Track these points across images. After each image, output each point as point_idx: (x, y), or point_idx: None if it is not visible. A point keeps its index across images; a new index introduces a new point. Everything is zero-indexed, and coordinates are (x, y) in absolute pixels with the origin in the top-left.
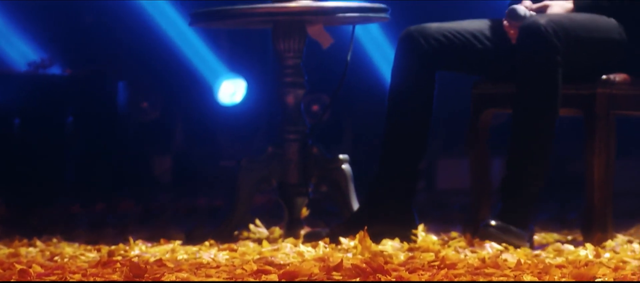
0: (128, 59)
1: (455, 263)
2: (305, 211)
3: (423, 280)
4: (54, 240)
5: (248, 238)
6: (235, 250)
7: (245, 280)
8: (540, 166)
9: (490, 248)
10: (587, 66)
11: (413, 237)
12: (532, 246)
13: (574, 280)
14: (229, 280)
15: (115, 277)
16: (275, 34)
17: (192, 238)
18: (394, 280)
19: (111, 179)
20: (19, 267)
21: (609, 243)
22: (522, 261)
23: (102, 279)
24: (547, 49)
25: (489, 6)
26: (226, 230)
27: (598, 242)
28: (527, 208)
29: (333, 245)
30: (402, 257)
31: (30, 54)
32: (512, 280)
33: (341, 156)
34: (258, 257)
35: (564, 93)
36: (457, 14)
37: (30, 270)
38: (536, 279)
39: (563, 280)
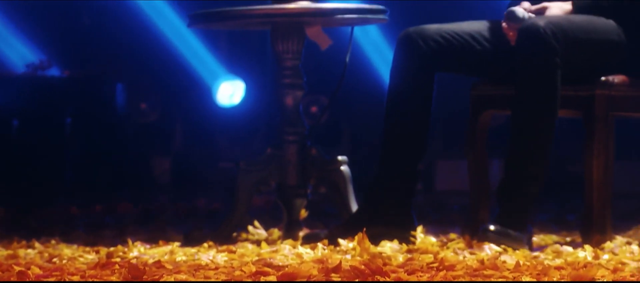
0: (127, 61)
1: (454, 265)
2: (304, 213)
3: (422, 281)
4: (53, 242)
5: (247, 239)
6: (234, 252)
7: (244, 281)
8: (539, 167)
9: (489, 249)
10: (586, 68)
11: (412, 239)
12: (531, 248)
13: (572, 282)
14: (227, 281)
15: (113, 279)
16: (274, 35)
17: (190, 239)
18: (392, 281)
19: (110, 180)
20: (17, 268)
21: (608, 244)
22: (521, 262)
23: (101, 280)
24: (546, 51)
25: (488, 7)
26: (225, 232)
27: (597, 244)
28: (525, 211)
29: (332, 247)
30: (400, 258)
31: (29, 56)
32: (511, 281)
33: (340, 158)
34: (257, 258)
35: (563, 94)
36: (456, 16)
37: (29, 272)
38: (535, 280)
39: (562, 281)
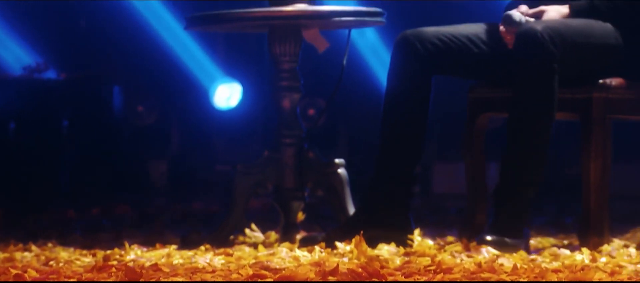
0: (124, 63)
1: (451, 268)
2: (301, 216)
3: None
4: (50, 245)
5: (244, 242)
6: (231, 255)
7: None
8: (535, 172)
9: (487, 252)
10: (584, 71)
11: (409, 241)
12: (529, 251)
13: None
14: None
15: (110, 281)
16: (271, 38)
17: (187, 242)
18: None
19: (107, 183)
20: (14, 271)
21: (606, 247)
22: (518, 265)
23: None
24: (544, 55)
25: (486, 9)
26: (222, 235)
27: (594, 246)
28: (521, 215)
29: (329, 250)
30: (398, 261)
31: (26, 58)
32: None
33: (337, 161)
34: (254, 261)
35: (560, 97)
36: (453, 18)
37: (26, 275)
38: None
39: None
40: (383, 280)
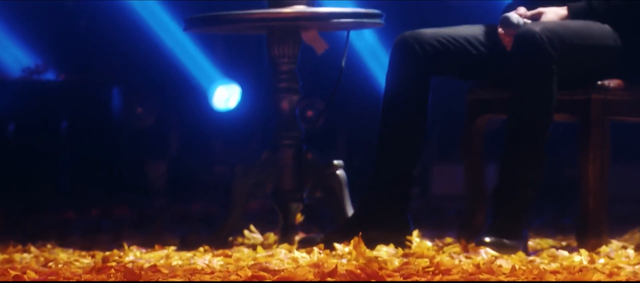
0: (122, 65)
1: (450, 269)
2: (299, 217)
3: None
4: (49, 246)
5: (242, 244)
6: (230, 256)
7: None
8: (533, 173)
9: (485, 254)
10: (582, 72)
11: (407, 243)
12: (527, 252)
13: None
14: None
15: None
16: (270, 39)
17: (186, 243)
18: None
19: (106, 185)
20: (13, 272)
21: (604, 249)
22: (517, 267)
23: None
24: (542, 57)
25: (485, 11)
26: (221, 236)
27: (593, 248)
28: (520, 216)
29: (327, 251)
30: (396, 262)
31: (25, 60)
32: None
33: (336, 162)
34: (252, 262)
35: (558, 99)
36: (452, 20)
37: (25, 276)
38: None
39: None
40: (382, 281)
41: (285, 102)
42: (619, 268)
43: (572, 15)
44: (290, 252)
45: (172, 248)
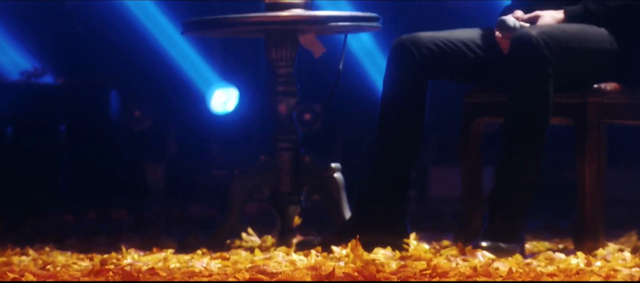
0: (121, 68)
1: (447, 272)
2: (297, 220)
3: None
4: (47, 249)
5: (240, 246)
6: (228, 259)
7: None
8: (530, 176)
9: (482, 256)
10: (579, 76)
11: (405, 246)
12: (524, 255)
13: None
14: None
15: None
16: (268, 43)
17: (184, 246)
18: None
19: (104, 188)
20: (11, 275)
21: (600, 251)
22: (514, 269)
23: None
24: (539, 61)
25: (482, 14)
26: (218, 239)
27: (589, 251)
28: (516, 220)
29: (325, 254)
30: (394, 265)
31: (23, 63)
32: None
33: (333, 165)
34: (250, 265)
35: (555, 102)
36: (449, 24)
37: (23, 279)
38: None
39: None
40: None
41: (283, 105)
42: (615, 270)
43: (568, 18)
44: (287, 254)
45: (170, 250)
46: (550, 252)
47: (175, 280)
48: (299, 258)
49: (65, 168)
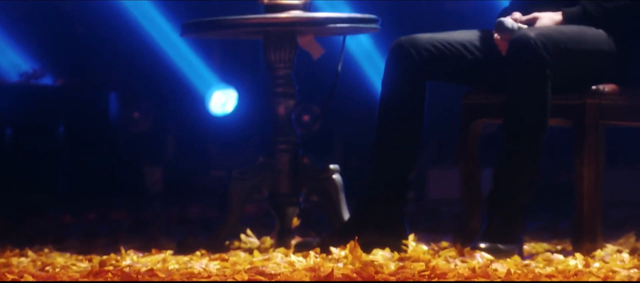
0: (120, 70)
1: (446, 273)
2: (296, 221)
3: None
4: (46, 250)
5: (239, 247)
6: (227, 260)
7: None
8: (529, 177)
9: (481, 257)
10: (577, 77)
11: (403, 247)
12: (522, 256)
13: None
14: None
15: None
16: (266, 44)
17: (183, 247)
18: None
19: (103, 189)
20: (10, 276)
21: (599, 253)
22: (512, 271)
23: None
24: (537, 62)
25: (480, 16)
26: (217, 240)
27: (588, 252)
28: (515, 221)
29: (324, 255)
30: (392, 266)
31: (22, 65)
32: None
33: (332, 166)
34: (249, 266)
35: (553, 103)
36: (447, 25)
37: (22, 280)
38: None
39: None
40: None
41: (282, 107)
42: (613, 272)
43: (566, 20)
44: (286, 255)
45: (169, 252)
46: (548, 253)
47: (174, 281)
48: (297, 259)
49: (65, 169)
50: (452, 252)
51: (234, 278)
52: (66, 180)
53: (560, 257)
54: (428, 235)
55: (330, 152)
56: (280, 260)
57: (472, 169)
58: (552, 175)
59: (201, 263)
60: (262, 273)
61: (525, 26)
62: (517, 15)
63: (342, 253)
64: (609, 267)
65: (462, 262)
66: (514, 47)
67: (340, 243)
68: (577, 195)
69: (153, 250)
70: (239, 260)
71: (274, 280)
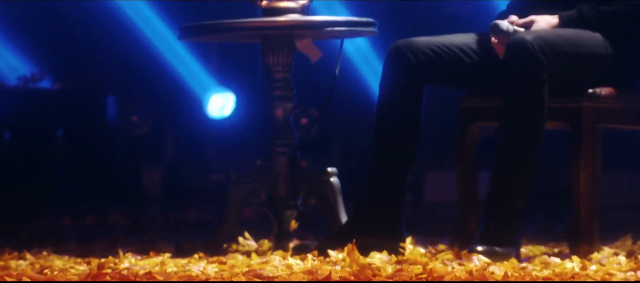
0: (118, 73)
1: (443, 276)
2: (294, 224)
3: None
4: (44, 253)
5: (237, 250)
6: (225, 263)
7: None
8: (525, 180)
9: (478, 260)
10: (573, 80)
11: (401, 250)
12: (519, 259)
13: None
14: None
15: None
16: (264, 48)
17: (181, 250)
18: None
19: (101, 192)
20: (9, 279)
21: (595, 255)
22: (509, 273)
23: None
24: (534, 66)
25: (477, 19)
26: (215, 243)
27: (584, 255)
28: (512, 224)
29: (321, 258)
30: (390, 269)
31: (21, 68)
32: None
33: (330, 169)
34: (247, 269)
35: (550, 107)
36: (445, 29)
37: None
38: None
39: None
40: None
41: (280, 110)
42: (610, 274)
43: (563, 23)
44: (284, 258)
45: (167, 255)
46: (545, 256)
47: None
48: (295, 262)
49: (63, 172)
50: (449, 255)
51: (231, 280)
52: (64, 183)
53: (558, 259)
54: (425, 237)
55: (328, 155)
56: (278, 263)
57: (470, 172)
58: (549, 178)
59: (199, 266)
60: (260, 276)
61: (521, 29)
62: (513, 18)
63: (340, 256)
64: (606, 269)
65: (460, 264)
66: (511, 50)
67: (338, 246)
68: (574, 197)
69: (151, 253)
70: (237, 263)
71: (271, 282)
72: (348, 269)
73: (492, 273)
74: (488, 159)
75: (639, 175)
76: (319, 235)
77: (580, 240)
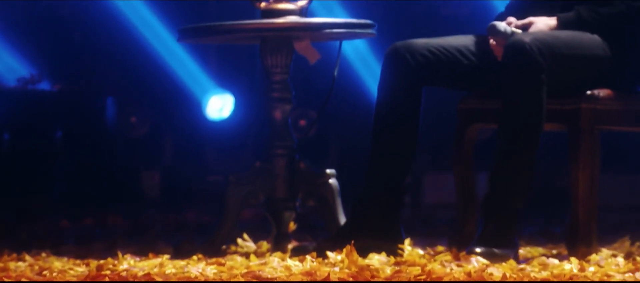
0: (117, 75)
1: (441, 277)
2: (292, 226)
3: None
4: (43, 255)
5: (236, 252)
6: (223, 264)
7: None
8: (524, 182)
9: (476, 262)
10: (572, 82)
11: (399, 251)
12: (517, 260)
13: None
14: None
15: None
16: (263, 49)
17: (180, 252)
18: None
19: (100, 194)
20: (8, 281)
21: (594, 257)
22: (508, 275)
23: None
24: (532, 67)
25: (476, 21)
26: (214, 245)
27: (583, 256)
28: (510, 225)
29: (320, 259)
30: (388, 270)
31: (20, 70)
32: None
33: (328, 171)
34: (246, 271)
35: (548, 108)
36: (443, 30)
37: None
38: None
39: None
40: None
41: (278, 111)
42: (608, 276)
43: (561, 25)
44: (283, 260)
45: (166, 256)
46: (544, 258)
47: None
48: (294, 263)
49: (62, 173)
50: (447, 256)
51: (230, 282)
52: (64, 184)
53: (556, 261)
54: (424, 239)
55: (326, 157)
56: (277, 265)
57: (468, 174)
58: (547, 180)
59: (198, 267)
60: (258, 278)
61: (519, 31)
62: (512, 19)
63: (339, 257)
64: (604, 271)
65: (458, 266)
66: (509, 52)
67: (337, 247)
68: (572, 199)
69: (150, 255)
70: (235, 264)
71: None
72: (346, 270)
73: (491, 274)
74: (486, 161)
75: (637, 177)
76: (318, 237)
77: (578, 241)
